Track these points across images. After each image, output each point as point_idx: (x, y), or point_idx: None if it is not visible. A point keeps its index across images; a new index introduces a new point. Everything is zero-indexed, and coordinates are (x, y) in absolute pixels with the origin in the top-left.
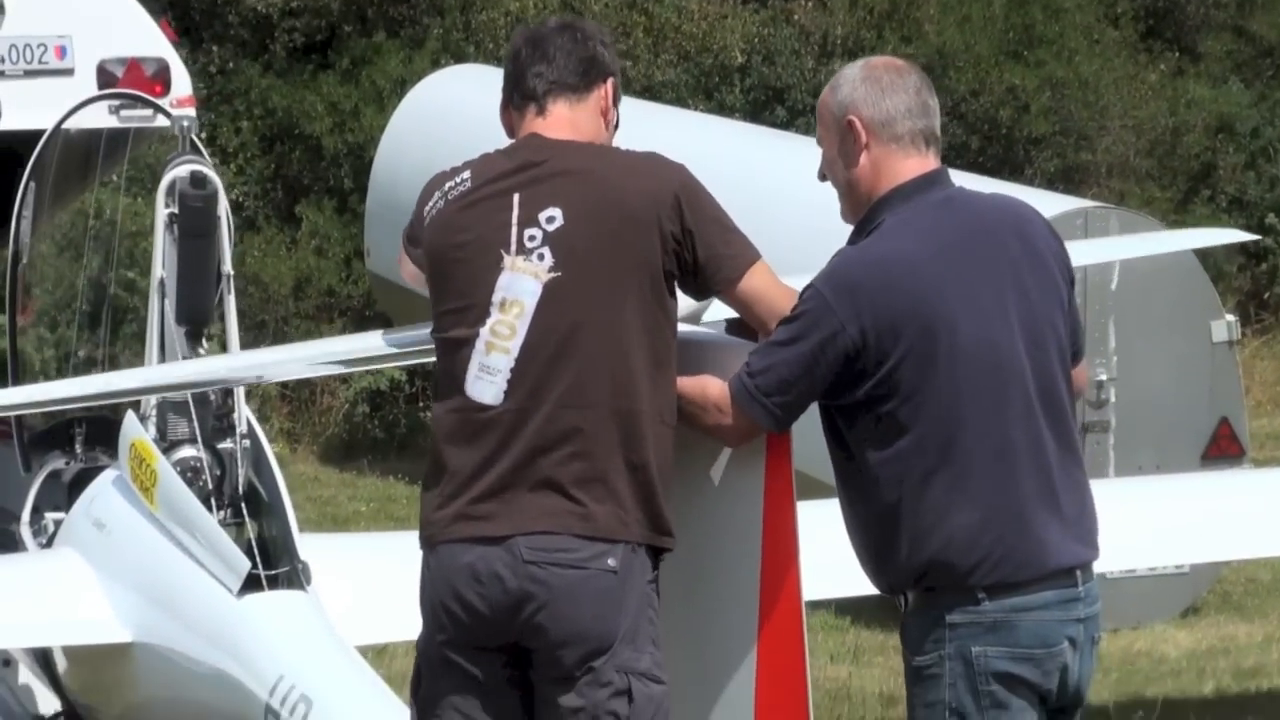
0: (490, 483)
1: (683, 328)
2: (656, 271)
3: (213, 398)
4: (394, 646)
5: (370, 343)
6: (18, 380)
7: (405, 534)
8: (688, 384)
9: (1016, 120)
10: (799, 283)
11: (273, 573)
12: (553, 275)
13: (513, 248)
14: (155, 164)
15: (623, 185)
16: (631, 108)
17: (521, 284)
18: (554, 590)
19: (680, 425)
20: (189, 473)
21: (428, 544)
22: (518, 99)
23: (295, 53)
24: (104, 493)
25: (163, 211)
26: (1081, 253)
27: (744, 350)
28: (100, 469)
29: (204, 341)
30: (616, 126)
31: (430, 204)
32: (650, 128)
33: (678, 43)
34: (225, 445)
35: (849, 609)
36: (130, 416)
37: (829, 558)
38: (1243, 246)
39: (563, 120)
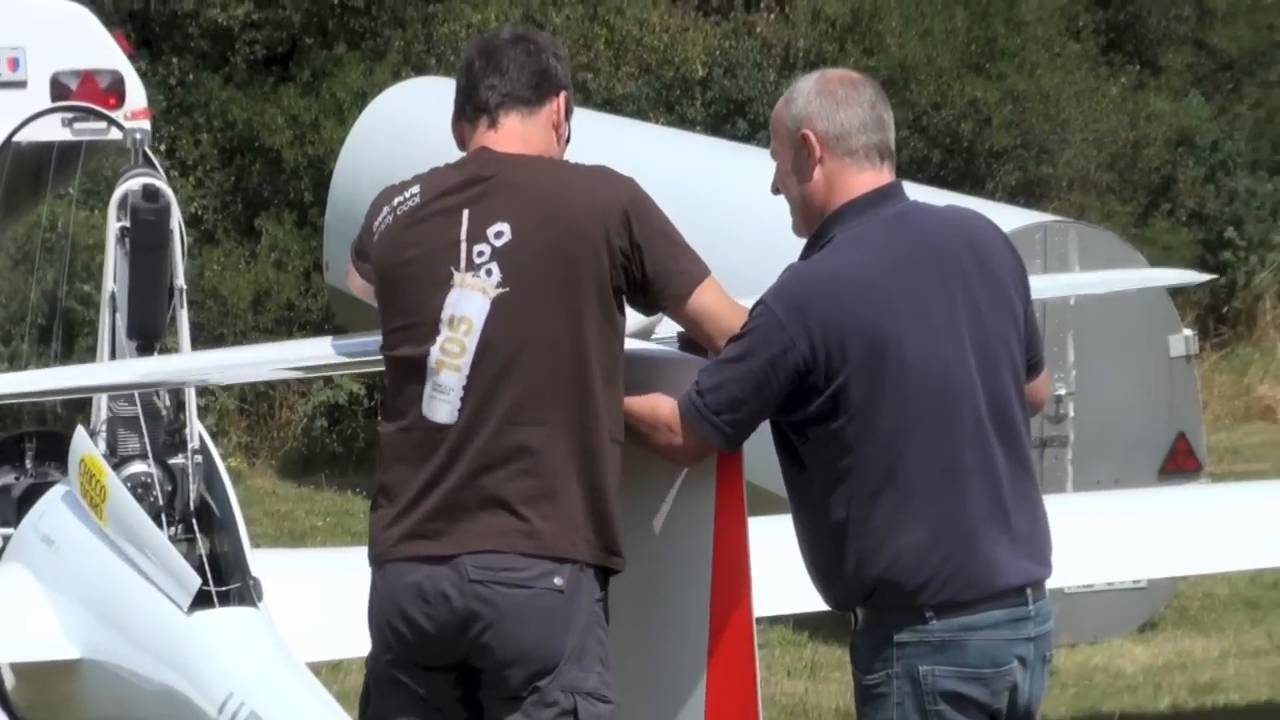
0: (437, 501)
1: (633, 344)
2: (605, 286)
3: (164, 412)
4: (349, 662)
5: (321, 349)
6: None
7: (362, 549)
8: (638, 403)
9: (978, 133)
10: (753, 300)
11: (223, 589)
12: (500, 291)
13: (462, 264)
14: (112, 176)
15: (571, 199)
16: (593, 120)
17: (470, 300)
18: (500, 610)
19: (630, 444)
20: (139, 488)
21: (375, 563)
22: (470, 111)
23: (256, 65)
24: (53, 508)
25: (114, 225)
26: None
27: (695, 367)
28: (50, 484)
29: (155, 355)
30: (568, 140)
31: (379, 219)
32: (611, 140)
33: (639, 55)
34: (176, 460)
35: (807, 624)
36: (80, 432)
37: (786, 573)
38: (1202, 260)
39: (514, 134)
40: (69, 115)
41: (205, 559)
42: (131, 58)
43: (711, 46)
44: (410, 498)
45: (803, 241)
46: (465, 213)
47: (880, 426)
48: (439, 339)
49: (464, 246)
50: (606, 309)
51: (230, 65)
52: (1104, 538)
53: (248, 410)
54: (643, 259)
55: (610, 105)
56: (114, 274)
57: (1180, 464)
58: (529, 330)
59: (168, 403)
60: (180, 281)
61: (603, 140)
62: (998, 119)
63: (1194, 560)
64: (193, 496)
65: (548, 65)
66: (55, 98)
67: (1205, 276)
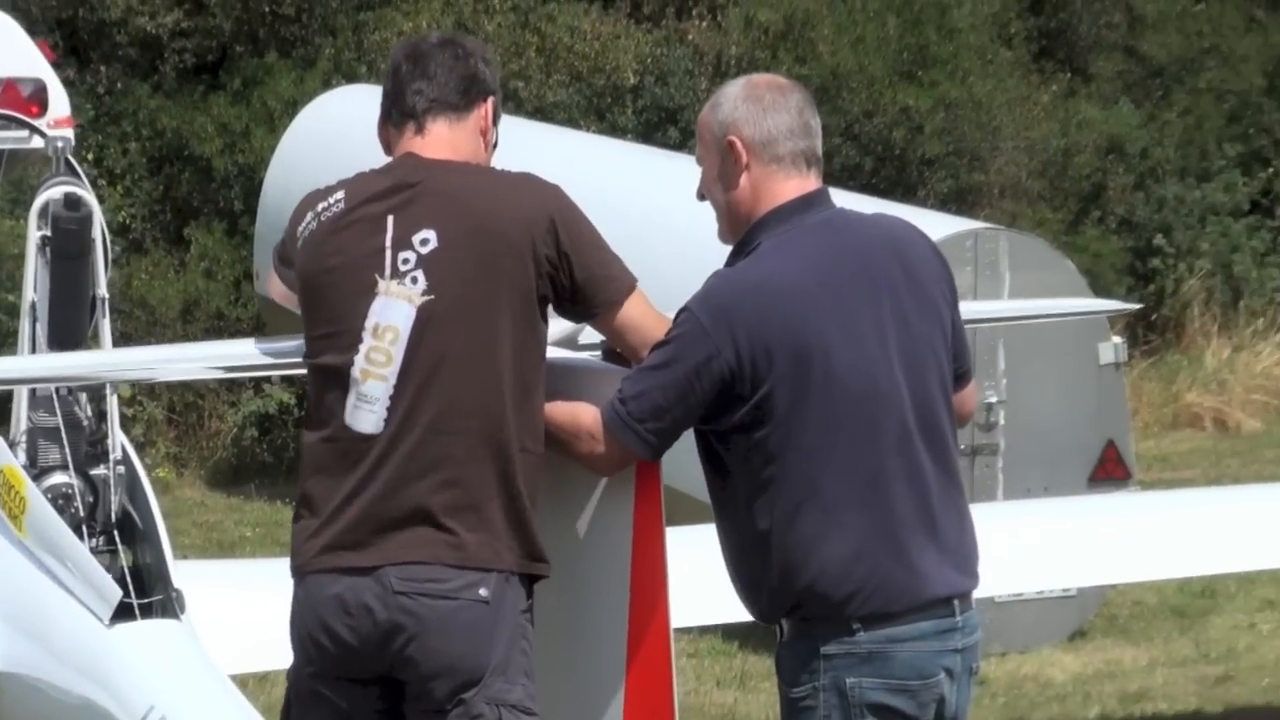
0: (360, 512)
1: (556, 352)
2: (529, 295)
3: (86, 423)
4: (275, 675)
5: (245, 350)
6: None
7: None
8: (560, 411)
9: (910, 141)
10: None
11: (145, 601)
12: (426, 299)
13: (387, 271)
14: (35, 185)
15: (497, 207)
16: (523, 128)
17: (395, 309)
18: (424, 621)
19: (551, 452)
20: (60, 500)
21: (297, 574)
22: (396, 116)
23: (185, 73)
24: None
25: (35, 234)
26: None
27: (617, 377)
28: None
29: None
30: (495, 146)
31: (303, 224)
32: (541, 148)
33: (570, 63)
34: (98, 471)
35: (736, 634)
36: None
37: (715, 582)
38: (1132, 267)
39: (441, 139)
40: None
41: (127, 571)
42: (56, 65)
43: (643, 54)
44: (333, 508)
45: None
46: (390, 219)
47: (805, 435)
48: (363, 348)
49: (389, 254)
50: (530, 318)
51: (159, 73)
52: (1034, 546)
53: (176, 420)
54: (571, 268)
55: (541, 113)
56: (34, 283)
57: (1109, 472)
58: (454, 339)
59: (89, 413)
60: (102, 291)
61: (533, 148)
62: (930, 127)
63: (1123, 569)
64: (115, 508)
65: (476, 70)
66: None
67: (1134, 306)
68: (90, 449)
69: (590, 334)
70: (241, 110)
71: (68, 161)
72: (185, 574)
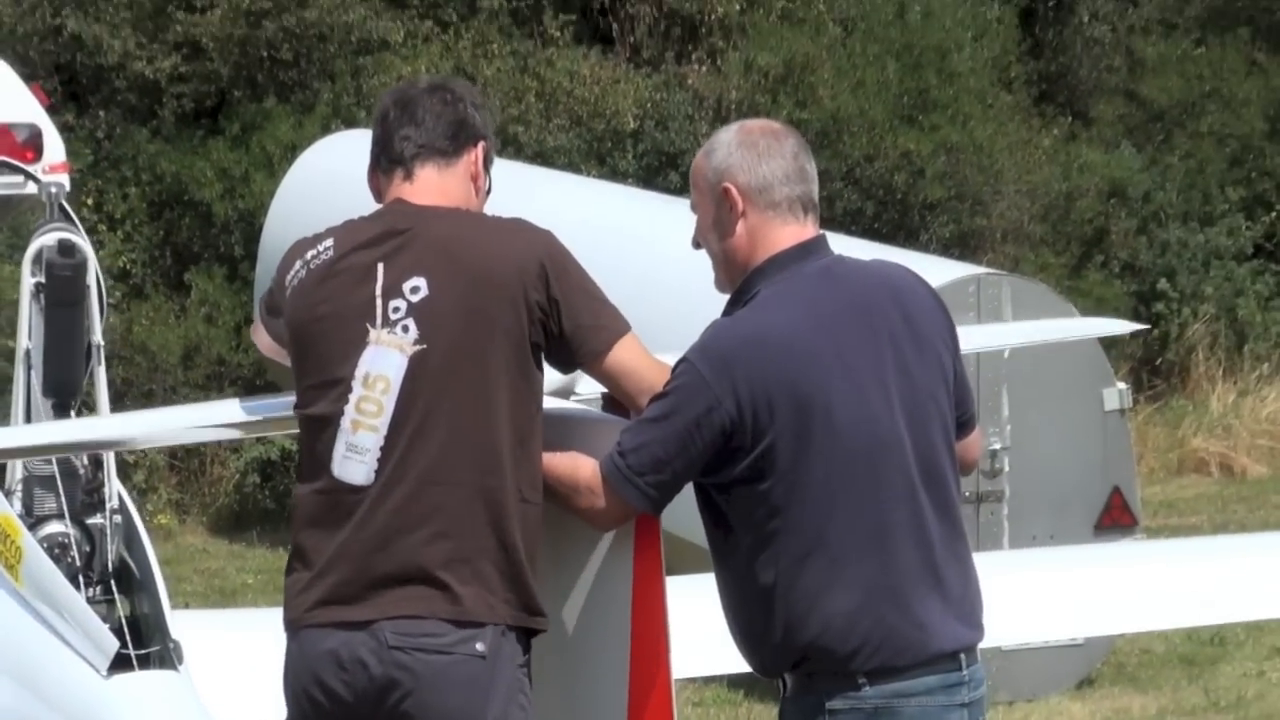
0: (353, 565)
1: (553, 403)
2: (522, 342)
3: (82, 471)
4: None
5: (230, 412)
6: None
7: None
8: (559, 465)
9: (911, 185)
10: (676, 357)
11: (143, 652)
12: (418, 348)
13: (378, 320)
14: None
15: (488, 253)
16: (523, 173)
17: (386, 358)
18: (420, 677)
19: (551, 505)
20: (56, 549)
21: (290, 628)
22: (385, 163)
23: (185, 118)
24: None
25: (29, 280)
26: (975, 337)
27: (617, 428)
28: None
29: (72, 415)
30: (489, 191)
31: (292, 273)
32: (541, 193)
33: (570, 107)
34: (95, 520)
35: (742, 683)
36: None
37: (719, 632)
38: (1135, 311)
39: (430, 185)
40: None
41: (124, 621)
42: (51, 110)
43: (643, 98)
44: (325, 561)
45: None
46: (380, 267)
47: (808, 488)
48: (353, 398)
49: (379, 302)
50: (524, 365)
51: (158, 118)
52: (1040, 595)
53: (178, 466)
54: (560, 314)
55: (541, 157)
56: (29, 330)
57: (1116, 519)
58: (446, 389)
59: (85, 461)
60: (97, 338)
61: (533, 193)
62: (931, 171)
63: (1130, 618)
64: (111, 557)
65: (466, 115)
66: None
67: (1135, 325)
68: (87, 498)
69: (590, 384)
70: (241, 155)
71: (62, 207)
72: (186, 623)
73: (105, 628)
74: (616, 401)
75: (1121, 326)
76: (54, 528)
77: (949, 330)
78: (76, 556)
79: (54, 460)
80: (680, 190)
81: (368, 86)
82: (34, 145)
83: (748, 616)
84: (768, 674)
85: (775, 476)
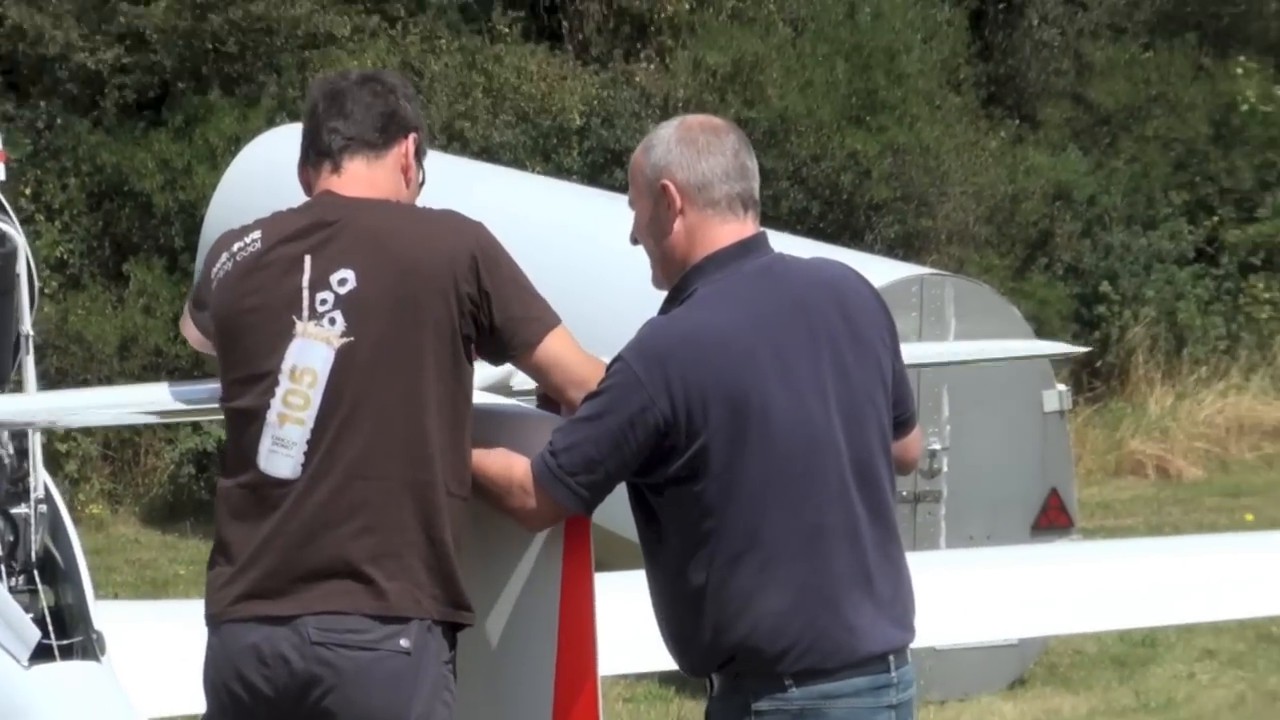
0: (276, 559)
1: (487, 398)
2: (453, 335)
3: (7, 461)
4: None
5: (159, 395)
6: None
7: None
8: (492, 463)
9: (858, 186)
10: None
11: (65, 643)
12: (345, 340)
13: (305, 313)
14: None
15: (417, 245)
16: (468, 168)
17: (313, 351)
18: (343, 674)
19: (482, 504)
20: None
21: (212, 623)
22: (313, 156)
23: (127, 109)
24: None
25: None
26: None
27: (550, 425)
28: None
29: None
30: (422, 184)
31: (218, 265)
32: (485, 189)
33: (516, 104)
34: (19, 510)
35: (673, 679)
36: None
37: (649, 629)
38: (1078, 314)
39: (359, 178)
40: None
41: (48, 612)
42: None
43: (590, 95)
44: (249, 555)
45: None
46: (308, 259)
47: (742, 489)
48: (280, 390)
49: (306, 294)
50: (454, 358)
51: (100, 109)
52: (976, 595)
53: (112, 456)
54: (491, 306)
55: (487, 153)
56: None
57: (1052, 520)
58: (374, 381)
59: (10, 451)
60: (27, 328)
61: (477, 188)
62: (877, 171)
63: (1065, 620)
64: (36, 547)
65: (396, 106)
66: None
67: (1080, 349)
68: (12, 487)
69: (524, 380)
70: (183, 147)
71: None
72: (113, 613)
73: (27, 618)
74: (551, 400)
75: (1066, 349)
76: None
77: (889, 330)
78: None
79: None
80: (625, 188)
81: (313, 80)
82: None
83: (678, 616)
84: (695, 674)
85: (709, 477)
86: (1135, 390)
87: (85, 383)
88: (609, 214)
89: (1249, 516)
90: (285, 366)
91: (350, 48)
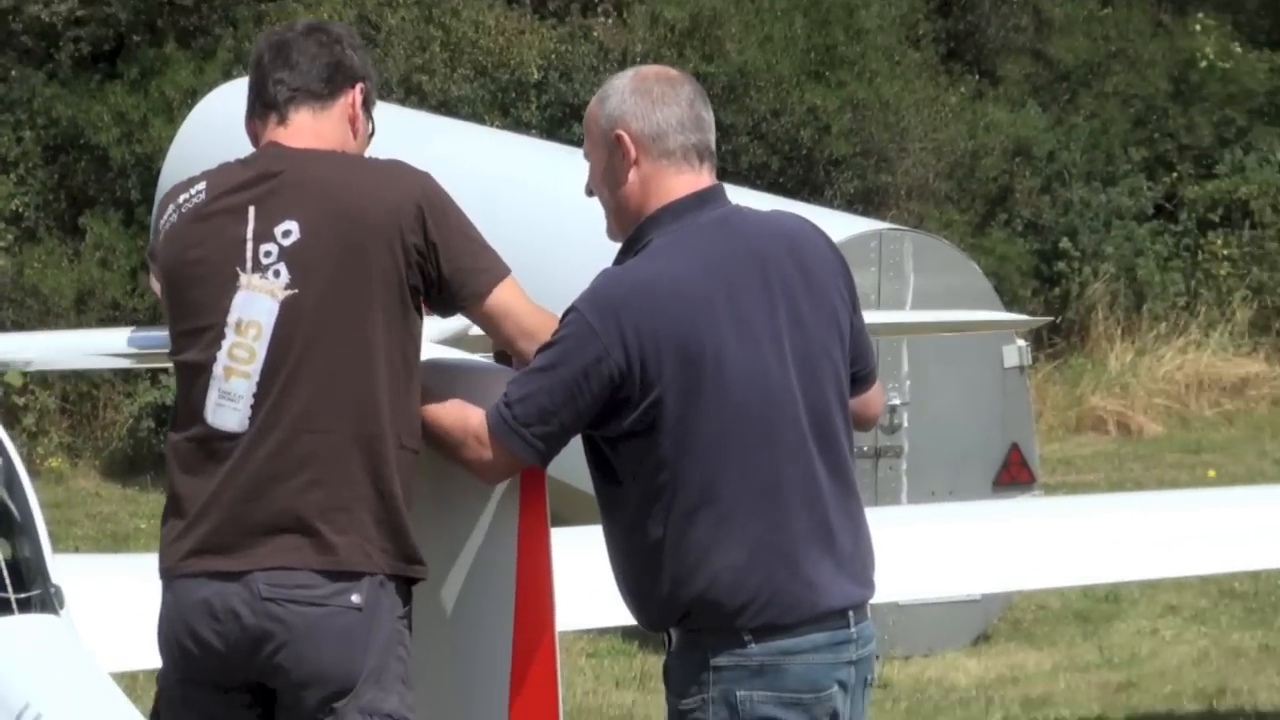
0: (226, 513)
1: (440, 350)
2: (400, 286)
3: None
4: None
5: (119, 339)
6: None
7: None
8: (447, 415)
9: (817, 141)
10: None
11: (22, 596)
12: (289, 293)
13: (249, 265)
14: None
15: (362, 195)
16: (426, 122)
17: (258, 303)
18: (293, 629)
19: (437, 456)
20: None
21: (165, 577)
22: (259, 108)
23: (82, 62)
24: None
25: None
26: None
27: (505, 377)
28: None
29: None
30: (371, 135)
31: (165, 217)
32: (442, 142)
33: (474, 58)
34: None
35: (636, 634)
36: None
37: (610, 584)
38: (1037, 270)
39: (305, 129)
40: None
41: (4, 565)
42: None
43: (548, 50)
44: (199, 509)
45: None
46: (252, 210)
47: (698, 442)
48: (225, 344)
49: (250, 246)
50: (402, 310)
51: (55, 61)
52: (938, 550)
53: (70, 410)
54: (439, 257)
55: (445, 107)
56: None
57: (1014, 476)
58: (319, 334)
59: None
60: None
61: (434, 142)
62: (837, 127)
63: (1027, 575)
64: None
65: (341, 56)
66: None
67: (1042, 319)
68: None
69: (478, 333)
70: (139, 100)
71: None
72: (72, 567)
73: None
74: (507, 355)
75: (1028, 320)
76: None
77: (847, 284)
78: None
79: None
80: (583, 143)
81: (260, 34)
82: None
83: (635, 571)
84: (654, 629)
85: (664, 429)
86: (1095, 346)
87: None
88: (566, 168)
89: (1211, 473)
90: (230, 319)
91: (306, 1)
